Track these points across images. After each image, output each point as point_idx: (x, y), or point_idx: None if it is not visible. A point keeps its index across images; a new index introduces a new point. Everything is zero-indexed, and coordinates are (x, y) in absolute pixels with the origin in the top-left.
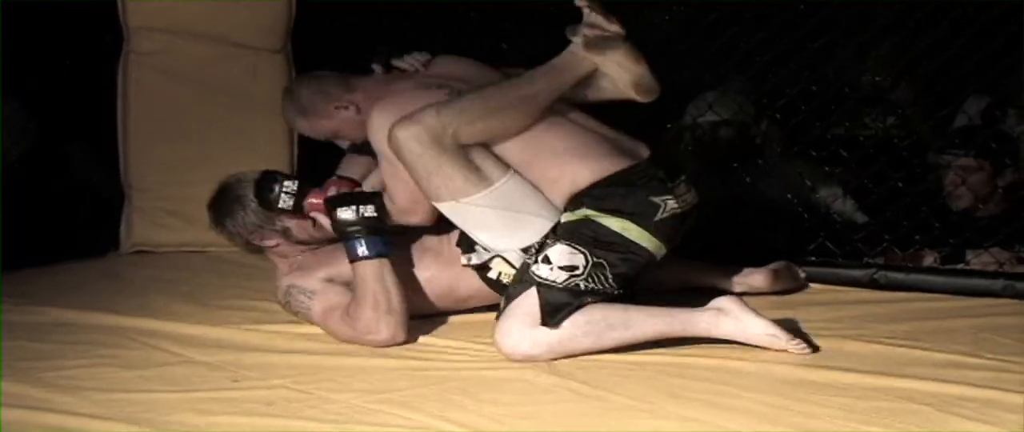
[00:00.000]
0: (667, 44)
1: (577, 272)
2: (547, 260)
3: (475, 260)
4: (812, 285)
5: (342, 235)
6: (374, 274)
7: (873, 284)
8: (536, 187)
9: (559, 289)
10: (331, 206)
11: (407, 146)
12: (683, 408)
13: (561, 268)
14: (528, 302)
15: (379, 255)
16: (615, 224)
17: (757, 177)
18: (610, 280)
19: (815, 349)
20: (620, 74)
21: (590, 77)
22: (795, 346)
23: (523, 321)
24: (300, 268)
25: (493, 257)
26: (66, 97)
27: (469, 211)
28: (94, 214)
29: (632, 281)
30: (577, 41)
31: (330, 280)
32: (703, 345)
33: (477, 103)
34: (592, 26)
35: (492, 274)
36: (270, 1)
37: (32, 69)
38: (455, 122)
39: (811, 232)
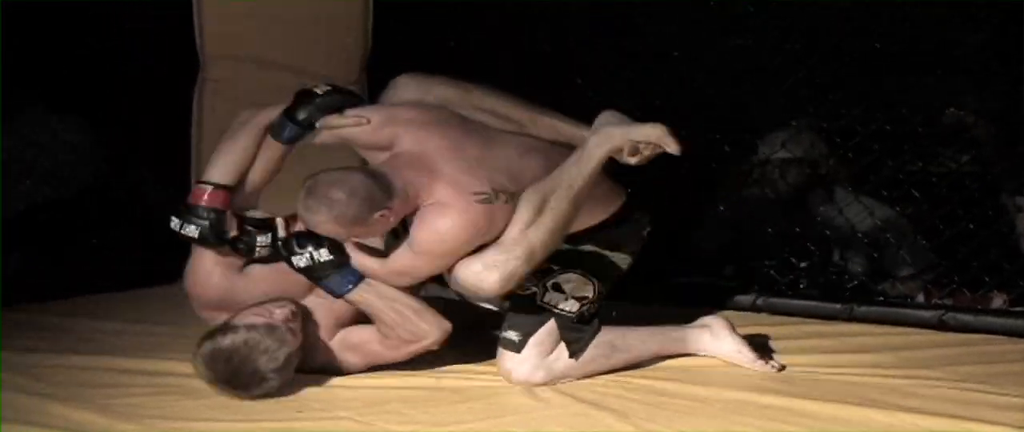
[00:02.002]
0: (741, 78)
1: (586, 301)
2: (558, 288)
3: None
4: (881, 326)
5: (312, 279)
6: (373, 294)
7: (941, 325)
8: None
9: (574, 320)
10: (287, 256)
11: (496, 291)
12: None
13: (575, 298)
14: (546, 333)
15: (360, 278)
16: (614, 257)
17: (826, 214)
18: (602, 302)
19: (782, 368)
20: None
21: None
22: (759, 367)
23: (540, 351)
24: (313, 348)
25: None
26: (140, 123)
27: None
28: (165, 240)
29: None
30: (630, 159)
31: (339, 327)
32: (756, 380)
33: (553, 236)
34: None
35: None
36: (346, 33)
37: (106, 94)
38: (536, 258)
39: (882, 273)
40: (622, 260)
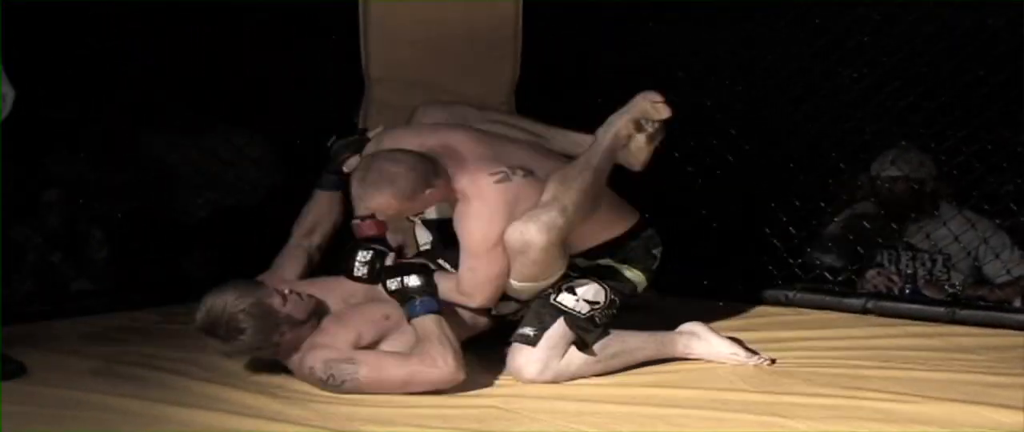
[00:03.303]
0: (857, 103)
1: (597, 306)
2: (572, 291)
3: (504, 310)
4: (981, 328)
5: (398, 300)
6: (434, 323)
7: None
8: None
9: (582, 319)
10: (384, 279)
11: (542, 247)
12: None
13: (586, 301)
14: (557, 332)
15: (434, 310)
16: (630, 273)
17: (931, 227)
18: (610, 316)
19: (772, 362)
20: (640, 155)
21: None
22: (753, 361)
23: (553, 353)
24: (318, 345)
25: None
26: (313, 138)
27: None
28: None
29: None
30: (640, 137)
31: (356, 346)
32: (871, 390)
33: (582, 199)
34: (651, 120)
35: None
36: (498, 58)
37: (281, 114)
38: (573, 220)
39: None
40: (636, 277)
